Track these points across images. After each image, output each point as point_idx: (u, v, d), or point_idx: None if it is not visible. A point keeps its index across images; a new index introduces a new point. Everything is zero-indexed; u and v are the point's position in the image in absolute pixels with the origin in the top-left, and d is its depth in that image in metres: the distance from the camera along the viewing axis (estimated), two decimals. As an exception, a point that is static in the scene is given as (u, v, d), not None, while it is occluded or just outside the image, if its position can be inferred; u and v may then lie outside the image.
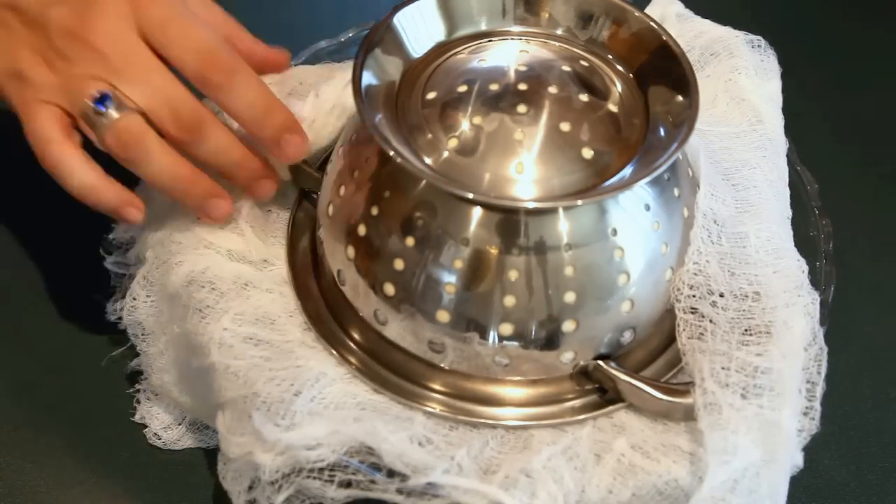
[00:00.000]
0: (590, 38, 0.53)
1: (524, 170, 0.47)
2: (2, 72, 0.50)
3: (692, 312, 0.49)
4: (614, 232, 0.47)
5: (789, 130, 0.59)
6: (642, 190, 0.48)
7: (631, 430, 0.48)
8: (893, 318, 0.63)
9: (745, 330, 0.49)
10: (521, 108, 0.48)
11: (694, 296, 0.49)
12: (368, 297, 0.49)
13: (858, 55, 0.78)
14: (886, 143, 0.73)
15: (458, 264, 0.46)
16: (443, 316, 0.47)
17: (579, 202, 0.46)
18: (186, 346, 0.51)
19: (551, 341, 0.48)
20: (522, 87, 0.49)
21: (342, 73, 0.55)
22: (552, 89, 0.49)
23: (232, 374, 0.48)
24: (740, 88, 0.59)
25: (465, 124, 0.48)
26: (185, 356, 0.51)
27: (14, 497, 0.53)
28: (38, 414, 0.56)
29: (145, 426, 0.55)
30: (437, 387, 0.49)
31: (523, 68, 0.50)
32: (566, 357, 0.48)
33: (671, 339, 0.50)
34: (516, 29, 0.53)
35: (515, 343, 0.47)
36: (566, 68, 0.50)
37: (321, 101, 0.54)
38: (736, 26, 0.63)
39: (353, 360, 0.50)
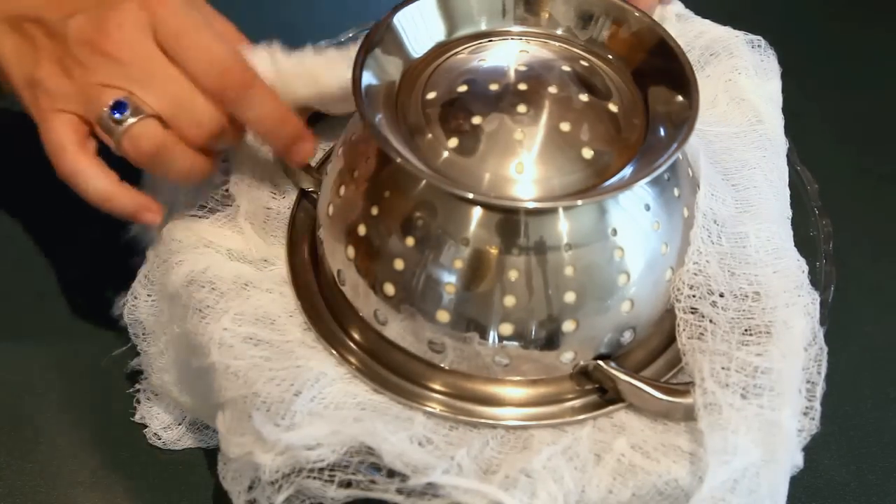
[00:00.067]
0: (590, 38, 0.53)
1: (524, 170, 0.47)
2: (21, 80, 0.51)
3: (692, 312, 0.49)
4: (614, 232, 0.47)
5: (789, 130, 0.59)
6: (642, 190, 0.48)
7: (631, 430, 0.48)
8: (893, 318, 0.63)
9: (745, 330, 0.49)
10: (521, 108, 0.48)
11: (694, 296, 0.49)
12: (368, 297, 0.49)
13: (858, 55, 0.78)
14: (886, 143, 0.73)
15: (458, 264, 0.46)
16: (443, 316, 0.47)
17: (579, 202, 0.46)
18: (186, 346, 0.51)
19: (551, 341, 0.48)
20: (522, 87, 0.49)
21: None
22: (552, 89, 0.49)
23: (232, 374, 0.48)
24: (740, 88, 0.59)
25: (465, 124, 0.48)
26: (185, 356, 0.51)
27: (14, 497, 0.53)
28: (38, 414, 0.56)
29: (145, 426, 0.55)
30: (437, 387, 0.49)
31: (523, 68, 0.50)
32: (566, 357, 0.48)
33: (671, 339, 0.50)
34: (516, 29, 0.53)
35: (515, 343, 0.47)
36: (566, 68, 0.50)
37: (288, 65, 0.54)
38: (736, 26, 0.62)
39: (353, 360, 0.50)
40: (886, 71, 0.78)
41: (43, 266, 0.62)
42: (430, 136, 0.48)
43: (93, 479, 0.54)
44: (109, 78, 0.49)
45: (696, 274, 0.50)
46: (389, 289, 0.48)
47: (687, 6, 0.64)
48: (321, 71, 0.53)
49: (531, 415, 0.49)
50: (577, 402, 0.49)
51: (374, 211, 0.48)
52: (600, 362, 0.49)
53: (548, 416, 0.49)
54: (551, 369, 0.49)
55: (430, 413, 0.48)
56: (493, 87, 0.49)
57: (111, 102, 0.48)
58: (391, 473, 0.45)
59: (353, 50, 0.50)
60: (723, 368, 0.47)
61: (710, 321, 0.49)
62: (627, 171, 0.47)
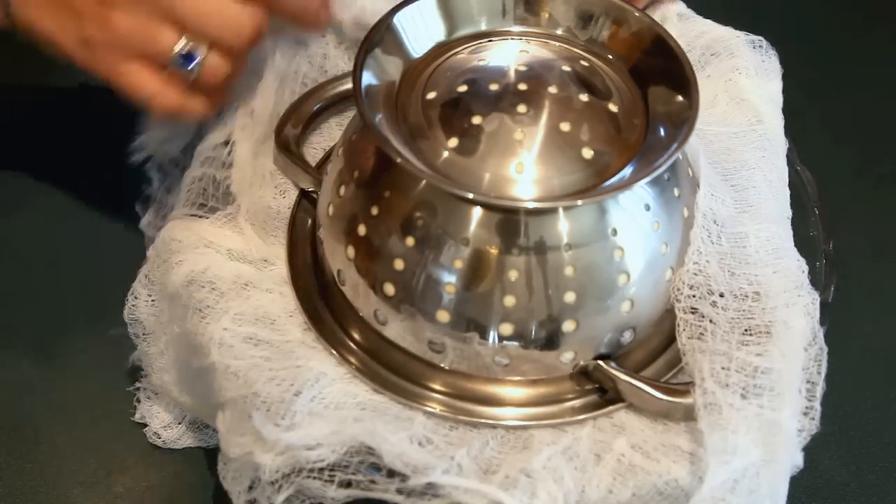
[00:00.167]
0: (590, 38, 0.53)
1: (524, 170, 0.47)
2: (73, 43, 0.53)
3: (692, 312, 0.49)
4: (614, 232, 0.47)
5: (789, 130, 0.59)
6: (642, 190, 0.48)
7: (631, 430, 0.48)
8: (893, 318, 0.63)
9: (745, 330, 0.49)
10: (521, 108, 0.48)
11: (694, 296, 0.49)
12: (368, 297, 0.49)
13: (858, 55, 0.78)
14: (886, 143, 0.73)
15: (458, 264, 0.46)
16: (443, 316, 0.47)
17: (579, 202, 0.46)
18: (186, 346, 0.51)
19: (551, 341, 0.48)
20: (522, 87, 0.49)
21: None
22: (552, 89, 0.49)
23: (232, 374, 0.48)
24: (740, 88, 0.59)
25: (465, 124, 0.48)
26: (186, 356, 0.51)
27: (14, 497, 0.53)
28: (38, 414, 0.56)
29: (145, 425, 0.55)
30: (437, 387, 0.49)
31: (523, 68, 0.50)
32: (566, 357, 0.48)
33: (671, 339, 0.50)
34: (516, 29, 0.53)
35: (515, 343, 0.47)
36: (566, 68, 0.50)
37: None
38: (737, 26, 0.63)
39: (353, 360, 0.50)
40: (886, 71, 0.78)
41: (43, 266, 0.62)
42: (430, 136, 0.48)
43: (93, 479, 0.54)
44: (157, 14, 0.51)
45: (696, 274, 0.50)
46: (389, 289, 0.48)
47: (688, 6, 0.64)
48: None
49: (531, 415, 0.49)
50: (577, 402, 0.49)
51: (374, 211, 0.48)
52: (600, 362, 0.49)
53: (548, 416, 0.49)
54: (551, 369, 0.49)
55: (430, 413, 0.48)
56: (493, 87, 0.49)
57: (176, 51, 0.51)
58: (391, 473, 0.45)
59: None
60: (723, 368, 0.47)
61: (710, 321, 0.49)
62: (627, 171, 0.47)
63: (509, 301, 0.46)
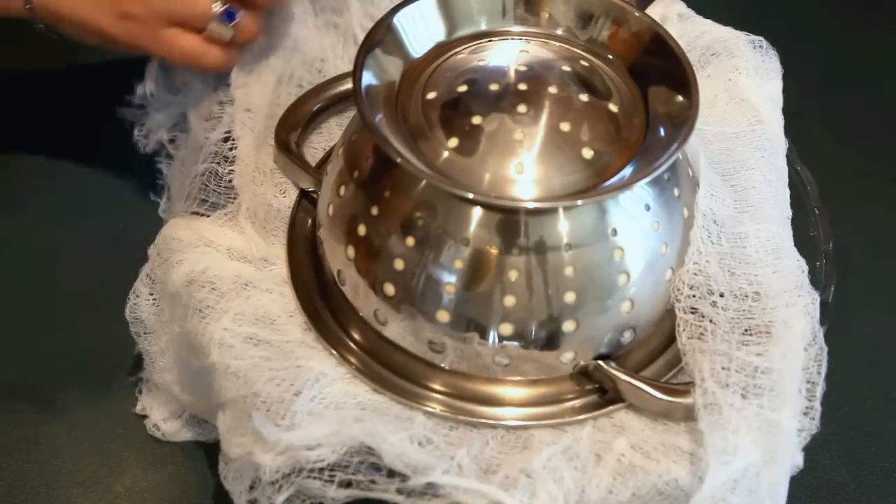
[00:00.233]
0: (590, 38, 0.53)
1: (524, 170, 0.47)
2: (110, 20, 0.55)
3: (692, 312, 0.49)
4: (614, 232, 0.47)
5: (789, 130, 0.59)
6: (642, 190, 0.48)
7: (631, 430, 0.48)
8: (893, 318, 0.63)
9: (745, 330, 0.49)
10: (521, 108, 0.48)
11: (694, 296, 0.49)
12: (368, 297, 0.49)
13: (858, 55, 0.78)
14: (887, 143, 0.73)
15: (458, 264, 0.46)
16: (443, 316, 0.47)
17: (579, 202, 0.46)
18: (187, 346, 0.51)
19: (551, 341, 0.48)
20: (522, 87, 0.49)
21: None
22: (552, 89, 0.49)
23: (232, 374, 0.48)
24: (740, 88, 0.59)
25: (466, 124, 0.48)
26: (186, 356, 0.51)
27: (14, 497, 0.53)
28: (39, 413, 0.56)
29: (146, 425, 0.55)
30: (437, 387, 0.49)
31: (523, 68, 0.50)
32: (566, 357, 0.48)
33: (671, 339, 0.50)
34: (516, 29, 0.53)
35: (515, 343, 0.47)
36: (566, 68, 0.50)
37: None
38: (737, 26, 0.63)
39: (353, 360, 0.50)
40: (886, 71, 0.78)
41: (43, 265, 0.62)
42: (430, 136, 0.48)
43: (93, 479, 0.54)
44: None
45: (696, 274, 0.50)
46: (389, 289, 0.48)
47: (689, 6, 0.64)
48: None
49: (531, 415, 0.49)
50: (577, 402, 0.49)
51: (374, 211, 0.48)
52: (600, 362, 0.49)
53: (548, 416, 0.49)
54: (551, 369, 0.49)
55: (430, 413, 0.48)
56: (494, 87, 0.49)
57: (219, 12, 0.55)
58: (391, 473, 0.45)
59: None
60: (723, 368, 0.47)
61: (710, 321, 0.49)
62: (627, 171, 0.47)
63: (509, 301, 0.46)
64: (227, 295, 0.51)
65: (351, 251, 0.49)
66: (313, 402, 0.47)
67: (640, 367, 0.50)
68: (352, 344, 0.50)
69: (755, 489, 0.45)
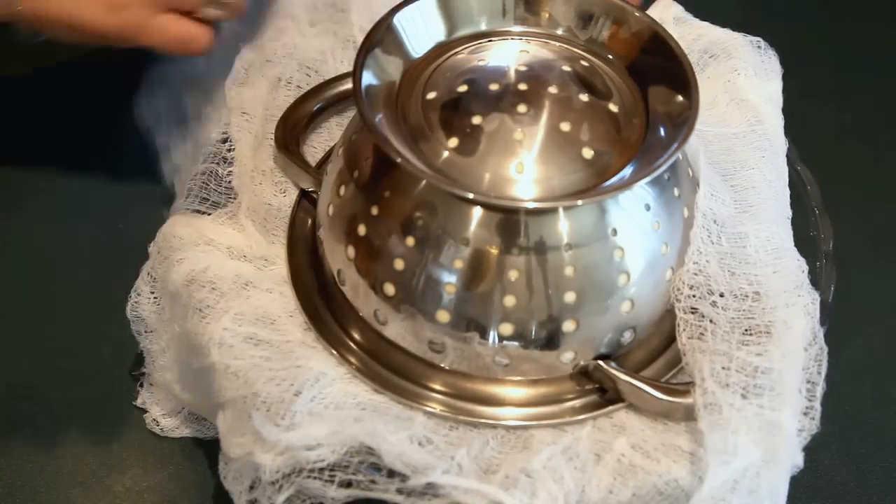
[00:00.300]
0: (590, 38, 0.53)
1: (524, 170, 0.47)
2: (100, 14, 0.54)
3: (692, 312, 0.49)
4: (614, 232, 0.47)
5: (789, 130, 0.59)
6: (642, 190, 0.48)
7: (631, 430, 0.48)
8: (893, 318, 0.63)
9: (746, 330, 0.49)
10: (522, 108, 0.48)
11: (694, 296, 0.49)
12: (368, 297, 0.49)
13: (858, 55, 0.78)
14: (886, 143, 0.73)
15: (459, 264, 0.46)
16: (443, 316, 0.47)
17: (579, 202, 0.46)
18: (187, 346, 0.51)
19: (551, 341, 0.48)
20: (522, 87, 0.49)
21: None
22: (552, 89, 0.49)
23: (232, 374, 0.48)
24: (739, 89, 0.59)
25: (466, 124, 0.48)
26: (186, 356, 0.51)
27: (14, 497, 0.53)
28: (38, 414, 0.56)
29: (146, 425, 0.55)
30: (437, 387, 0.49)
31: (523, 68, 0.50)
32: (566, 357, 0.48)
33: (671, 339, 0.50)
34: (516, 29, 0.53)
35: (515, 343, 0.47)
36: (566, 68, 0.50)
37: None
38: (737, 27, 0.62)
39: (353, 360, 0.50)
40: (886, 71, 0.78)
41: (43, 265, 0.62)
42: (430, 136, 0.48)
43: (93, 478, 0.54)
44: None
45: (696, 274, 0.50)
46: (389, 289, 0.48)
47: (688, 7, 0.64)
48: None
49: (531, 415, 0.49)
50: (577, 402, 0.49)
51: (374, 211, 0.48)
52: (600, 362, 0.49)
53: (548, 416, 0.49)
54: (551, 369, 0.49)
55: (430, 413, 0.48)
56: (494, 87, 0.49)
57: None
58: (391, 473, 0.45)
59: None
60: (723, 368, 0.47)
61: (711, 321, 0.49)
62: (627, 171, 0.47)
63: (509, 301, 0.46)
64: (227, 295, 0.51)
65: (351, 251, 0.49)
66: (313, 402, 0.47)
67: (641, 367, 0.50)
68: (352, 344, 0.50)
69: (755, 489, 0.45)
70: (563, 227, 0.46)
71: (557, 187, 0.47)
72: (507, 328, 0.47)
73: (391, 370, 0.50)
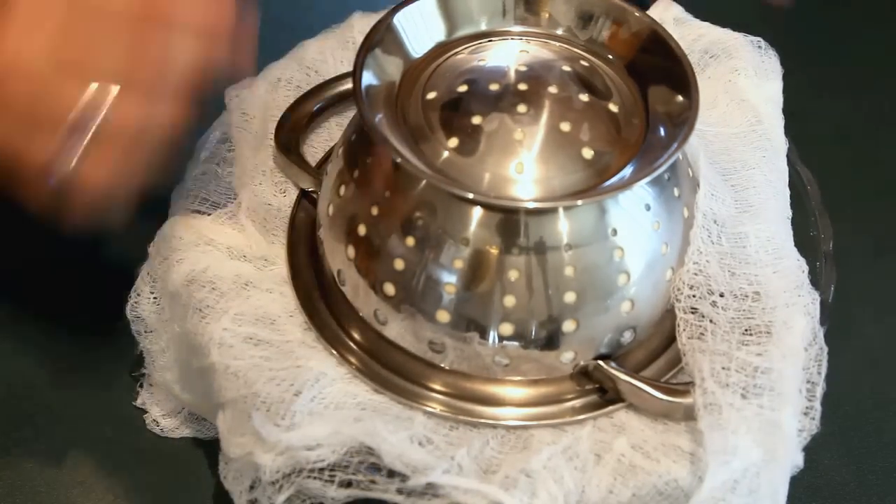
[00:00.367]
0: (590, 38, 0.53)
1: (524, 170, 0.47)
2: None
3: (692, 312, 0.49)
4: (614, 232, 0.47)
5: (789, 130, 0.59)
6: (642, 190, 0.48)
7: (631, 430, 0.48)
8: (893, 318, 0.63)
9: (746, 330, 0.49)
10: (522, 108, 0.48)
11: (694, 296, 0.49)
12: (368, 297, 0.49)
13: (858, 55, 0.78)
14: (887, 143, 0.73)
15: (458, 264, 0.46)
16: (443, 316, 0.47)
17: (579, 202, 0.46)
18: (187, 346, 0.51)
19: (551, 341, 0.48)
20: (522, 87, 0.49)
21: None
22: (552, 89, 0.49)
23: (232, 374, 0.48)
24: (739, 89, 0.59)
25: (466, 124, 0.48)
26: (186, 356, 0.51)
27: (14, 497, 0.53)
28: (38, 414, 0.56)
29: (146, 425, 0.55)
30: (437, 387, 0.49)
31: (523, 68, 0.50)
32: (566, 357, 0.48)
33: (671, 339, 0.50)
34: (516, 29, 0.53)
35: (515, 343, 0.47)
36: (566, 68, 0.50)
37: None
38: (736, 27, 0.62)
39: (353, 360, 0.50)
40: (886, 71, 0.78)
41: (43, 265, 0.62)
42: (430, 136, 0.48)
43: (93, 478, 0.54)
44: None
45: (696, 274, 0.50)
46: (389, 289, 0.48)
47: (687, 8, 0.64)
48: None
49: (531, 415, 0.49)
50: (577, 402, 0.49)
51: (374, 211, 0.48)
52: (600, 362, 0.49)
53: (548, 416, 0.49)
54: (551, 369, 0.49)
55: (430, 413, 0.48)
56: (494, 87, 0.49)
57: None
58: (391, 473, 0.45)
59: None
60: (723, 368, 0.47)
61: (711, 321, 0.49)
62: (627, 171, 0.47)
63: (509, 301, 0.46)
64: (227, 295, 0.51)
65: (351, 251, 0.49)
66: (313, 402, 0.47)
67: (641, 367, 0.50)
68: (352, 344, 0.50)
69: (755, 489, 0.45)
70: (563, 227, 0.46)
71: (557, 187, 0.47)
72: (507, 328, 0.47)
73: (391, 370, 0.50)
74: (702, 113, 0.48)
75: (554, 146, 0.48)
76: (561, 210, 0.46)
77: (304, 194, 0.56)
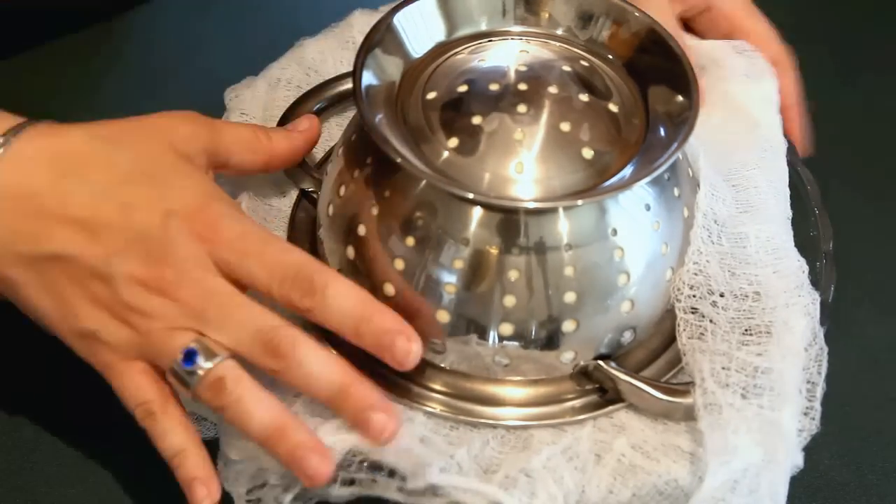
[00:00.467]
0: (590, 38, 0.53)
1: (524, 170, 0.47)
2: (69, 332, 0.47)
3: (692, 312, 0.49)
4: (614, 232, 0.47)
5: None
6: (642, 190, 0.48)
7: (631, 430, 0.48)
8: (893, 318, 0.63)
9: (746, 330, 0.49)
10: (522, 108, 0.48)
11: (694, 296, 0.49)
12: (368, 297, 0.49)
13: (858, 55, 0.78)
14: (887, 143, 0.73)
15: (459, 264, 0.46)
16: (443, 316, 0.47)
17: (579, 202, 0.46)
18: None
19: (551, 341, 0.48)
20: (522, 87, 0.49)
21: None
22: (552, 89, 0.49)
23: (232, 374, 0.48)
24: (732, 96, 0.59)
25: (466, 124, 0.48)
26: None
27: (14, 497, 0.53)
28: (38, 414, 0.56)
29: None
30: (437, 387, 0.49)
31: (523, 68, 0.50)
32: (566, 357, 0.48)
33: (671, 339, 0.50)
34: (516, 29, 0.53)
35: (515, 343, 0.47)
36: (566, 68, 0.50)
37: None
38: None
39: (352, 359, 0.50)
40: (886, 71, 0.78)
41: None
42: (430, 135, 0.48)
43: (93, 478, 0.54)
44: (173, 321, 0.45)
45: (696, 274, 0.50)
46: (389, 289, 0.48)
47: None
48: None
49: (531, 415, 0.49)
50: (577, 402, 0.49)
51: (374, 211, 0.48)
52: (600, 362, 0.49)
53: (548, 416, 0.49)
54: (551, 369, 0.49)
55: (430, 413, 0.48)
56: (494, 87, 0.49)
57: (181, 354, 0.45)
58: (392, 473, 0.45)
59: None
60: (723, 368, 0.47)
61: (711, 321, 0.49)
62: (627, 170, 0.47)
63: (509, 301, 0.46)
64: (227, 295, 0.51)
65: (351, 251, 0.49)
66: (314, 401, 0.47)
67: (641, 367, 0.50)
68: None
69: (755, 489, 0.45)
70: (563, 227, 0.46)
71: (557, 187, 0.47)
72: (507, 328, 0.47)
73: (391, 370, 0.49)
74: (700, 122, 0.48)
75: (554, 146, 0.48)
76: (561, 210, 0.46)
77: (304, 194, 0.56)
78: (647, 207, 0.48)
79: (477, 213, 0.46)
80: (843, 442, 0.57)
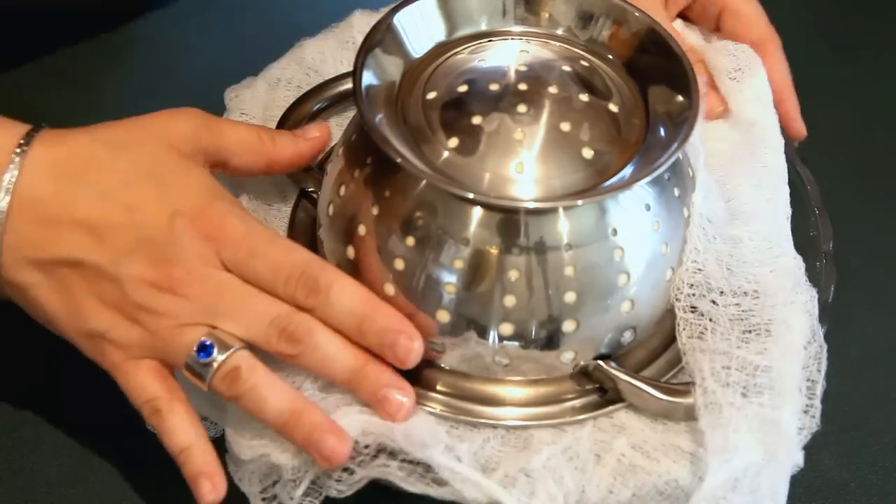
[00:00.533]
0: (590, 38, 0.53)
1: (524, 170, 0.47)
2: (76, 333, 0.48)
3: (692, 311, 0.49)
4: (614, 232, 0.47)
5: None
6: (642, 190, 0.48)
7: (631, 430, 0.48)
8: (893, 318, 0.63)
9: (745, 329, 0.49)
10: (522, 108, 0.48)
11: (694, 294, 0.49)
12: (369, 297, 0.49)
13: (858, 55, 0.78)
14: (886, 143, 0.73)
15: (459, 264, 0.46)
16: (443, 316, 0.47)
17: (579, 202, 0.46)
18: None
19: (551, 341, 0.48)
20: (522, 86, 0.49)
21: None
22: (552, 89, 0.49)
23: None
24: (725, 94, 0.59)
25: (466, 124, 0.48)
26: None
27: (14, 497, 0.53)
28: (38, 414, 0.56)
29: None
30: (437, 387, 0.49)
31: (523, 68, 0.50)
32: (566, 357, 0.48)
33: (671, 339, 0.50)
34: (516, 29, 0.53)
35: (516, 343, 0.47)
36: (566, 68, 0.50)
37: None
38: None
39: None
40: (886, 70, 0.78)
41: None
42: (430, 135, 0.48)
43: (93, 478, 0.54)
44: (184, 318, 0.46)
45: (695, 272, 0.50)
46: (390, 289, 0.48)
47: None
48: None
49: (531, 415, 0.49)
50: (577, 402, 0.49)
51: (374, 211, 0.48)
52: (600, 362, 0.49)
53: (548, 416, 0.49)
54: (551, 369, 0.49)
55: (430, 413, 0.48)
56: (494, 87, 0.49)
57: (195, 347, 0.45)
58: (393, 454, 0.45)
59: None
60: (723, 367, 0.47)
61: (710, 320, 0.49)
62: (628, 170, 0.47)
63: (509, 301, 0.46)
64: (227, 294, 0.51)
65: (351, 251, 0.49)
66: (314, 400, 0.47)
67: (641, 367, 0.50)
68: (352, 344, 0.50)
69: (756, 488, 0.45)
70: (563, 227, 0.46)
71: (557, 187, 0.47)
72: (507, 328, 0.47)
73: (391, 370, 0.49)
74: (696, 126, 0.48)
75: (554, 146, 0.48)
76: (561, 210, 0.46)
77: (304, 194, 0.56)
78: (648, 207, 0.48)
79: (477, 212, 0.46)
80: (843, 442, 0.57)
